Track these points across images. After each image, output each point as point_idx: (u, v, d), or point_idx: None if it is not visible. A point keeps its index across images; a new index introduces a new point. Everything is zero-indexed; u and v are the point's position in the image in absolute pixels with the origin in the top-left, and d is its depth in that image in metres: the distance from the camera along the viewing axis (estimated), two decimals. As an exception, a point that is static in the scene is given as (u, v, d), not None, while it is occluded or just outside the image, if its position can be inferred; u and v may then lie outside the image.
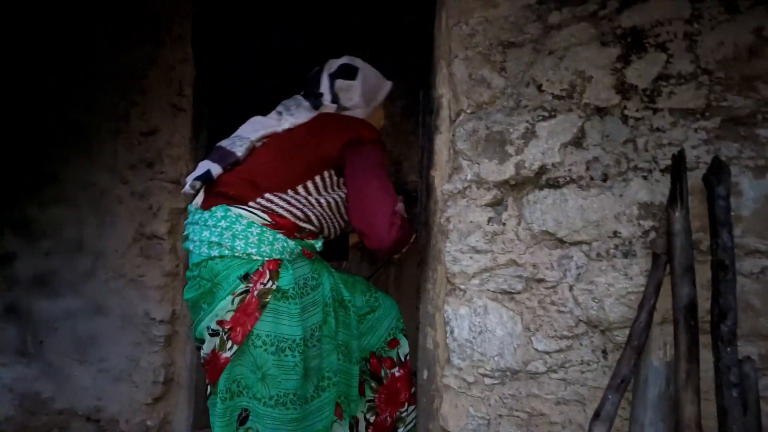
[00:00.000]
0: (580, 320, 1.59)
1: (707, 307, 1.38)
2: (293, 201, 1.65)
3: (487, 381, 1.71)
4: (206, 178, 1.69)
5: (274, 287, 1.59)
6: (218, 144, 1.77)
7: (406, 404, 1.87)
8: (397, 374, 1.88)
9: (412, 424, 1.90)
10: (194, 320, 1.70)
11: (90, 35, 2.72)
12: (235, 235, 1.59)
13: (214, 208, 1.64)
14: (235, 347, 1.57)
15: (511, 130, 1.72)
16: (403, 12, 2.07)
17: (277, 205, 1.63)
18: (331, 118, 1.79)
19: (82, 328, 2.81)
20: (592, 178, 1.60)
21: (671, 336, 1.37)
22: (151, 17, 2.66)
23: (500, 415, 1.69)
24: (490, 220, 1.74)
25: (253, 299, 1.57)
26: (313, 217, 1.68)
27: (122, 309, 2.72)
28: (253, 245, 1.59)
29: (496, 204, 1.74)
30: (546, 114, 1.68)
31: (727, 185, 1.37)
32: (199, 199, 1.72)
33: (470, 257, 1.75)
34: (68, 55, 2.75)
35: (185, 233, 1.74)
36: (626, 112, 1.57)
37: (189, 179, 1.71)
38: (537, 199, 1.68)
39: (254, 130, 1.75)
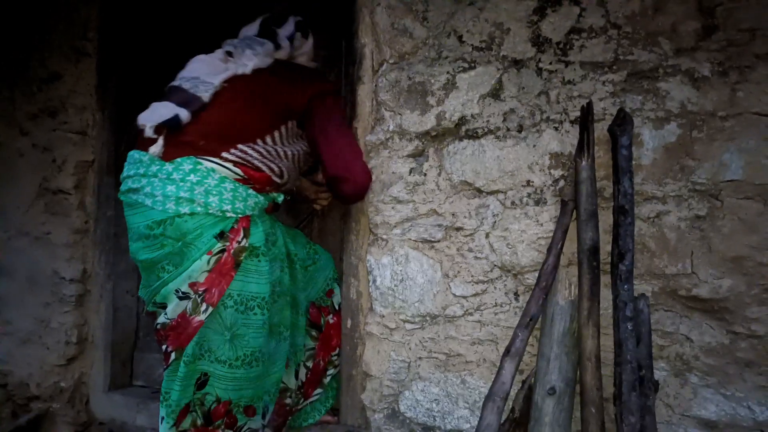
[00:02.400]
0: (495, 265, 1.66)
1: (609, 250, 1.49)
2: (265, 152, 1.58)
3: (408, 326, 1.77)
4: (174, 123, 1.52)
5: (247, 245, 1.52)
6: (174, 85, 1.62)
7: (337, 349, 1.91)
8: (331, 321, 1.91)
9: (338, 369, 1.95)
10: (148, 283, 1.57)
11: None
12: (208, 190, 1.47)
13: (179, 160, 1.49)
14: (210, 309, 1.48)
15: (432, 81, 1.74)
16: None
17: (252, 156, 1.55)
18: (293, 68, 1.76)
19: (-17, 289, 2.63)
20: (508, 129, 1.66)
21: (576, 277, 1.47)
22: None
23: (420, 358, 1.75)
24: (411, 170, 1.77)
25: (230, 258, 1.49)
26: (284, 170, 1.63)
27: (28, 269, 2.56)
28: (227, 201, 1.49)
29: (418, 155, 1.77)
30: (466, 65, 1.70)
31: (630, 136, 1.46)
32: (156, 148, 1.53)
33: (392, 207, 1.78)
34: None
35: (132, 185, 1.53)
36: (541, 64, 1.62)
37: (148, 122, 1.53)
38: (457, 150, 1.72)
39: (213, 72, 1.61)
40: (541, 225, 1.61)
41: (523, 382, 1.53)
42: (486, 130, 1.68)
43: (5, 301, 2.59)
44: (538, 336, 1.53)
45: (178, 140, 1.53)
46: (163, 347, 1.58)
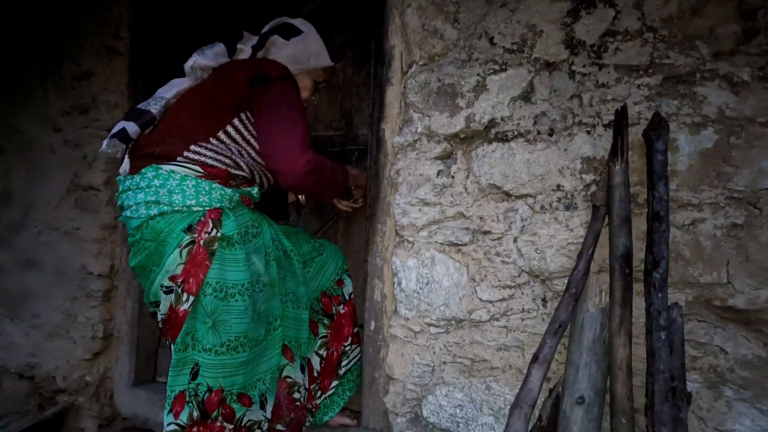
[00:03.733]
0: (522, 270, 1.64)
1: (641, 258, 1.45)
2: (218, 149, 1.61)
3: (433, 330, 1.75)
4: (122, 136, 1.63)
5: (219, 235, 1.56)
6: (135, 107, 1.72)
7: (350, 339, 1.93)
8: (342, 311, 1.93)
9: (354, 361, 1.95)
10: (144, 286, 1.65)
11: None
12: (171, 190, 1.54)
13: (143, 170, 1.58)
14: (192, 298, 1.54)
15: (462, 82, 1.72)
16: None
17: (205, 156, 1.59)
18: (237, 61, 1.75)
19: (13, 282, 2.68)
20: (539, 133, 1.63)
21: (607, 284, 1.44)
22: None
23: (444, 362, 1.74)
24: (439, 173, 1.75)
25: (201, 249, 1.54)
26: (242, 164, 1.64)
27: (57, 263, 2.60)
28: (191, 197, 1.55)
29: (446, 157, 1.75)
30: (497, 67, 1.69)
31: (665, 141, 1.43)
32: (125, 166, 1.66)
33: (419, 209, 1.77)
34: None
35: (119, 204, 1.66)
36: (574, 67, 1.60)
37: (104, 141, 1.64)
38: (486, 153, 1.70)
39: (169, 89, 1.71)
40: (571, 230, 1.59)
41: (551, 390, 1.50)
42: (516, 133, 1.66)
43: (34, 295, 2.63)
44: (566, 343, 1.50)
45: (140, 154, 1.63)
46: (168, 343, 1.66)
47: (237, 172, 1.63)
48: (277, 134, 1.59)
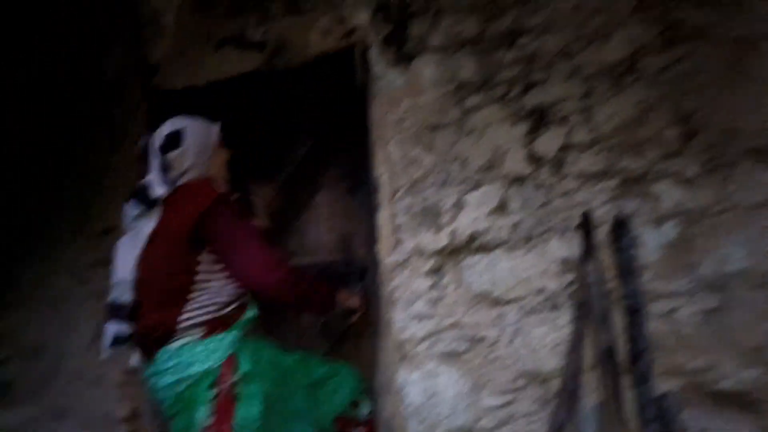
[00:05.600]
0: (520, 374, 1.70)
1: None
2: (201, 301, 1.70)
3: (443, 442, 1.78)
4: (119, 342, 1.77)
5: (238, 378, 1.66)
6: (108, 301, 1.84)
7: None
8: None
9: None
10: None
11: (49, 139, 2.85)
12: (188, 364, 1.66)
13: (157, 356, 1.70)
14: None
15: (443, 202, 1.89)
16: (343, 104, 2.27)
17: (196, 317, 1.68)
18: (171, 207, 1.76)
19: (43, 433, 2.75)
20: (517, 240, 1.77)
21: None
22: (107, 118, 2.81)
23: (457, 475, 1.74)
24: (431, 286, 1.87)
25: (226, 397, 1.64)
26: (228, 299, 1.74)
27: (84, 411, 2.68)
28: (206, 360, 1.66)
29: (436, 271, 1.88)
30: (472, 186, 1.86)
31: (630, 238, 1.54)
32: (135, 360, 1.82)
33: (416, 324, 1.86)
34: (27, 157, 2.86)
35: (151, 387, 1.78)
36: (539, 179, 1.76)
37: (103, 348, 1.80)
38: (472, 264, 1.82)
39: (124, 265, 1.80)
40: (559, 329, 1.66)
41: (561, 493, 1.50)
42: (497, 242, 1.79)
43: (62, 444, 2.69)
44: (570, 443, 1.51)
45: (143, 342, 1.75)
46: None
47: (228, 309, 1.73)
48: (241, 253, 1.70)
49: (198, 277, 1.71)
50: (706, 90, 1.58)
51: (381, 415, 1.92)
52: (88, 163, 2.79)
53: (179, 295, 1.70)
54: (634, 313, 1.46)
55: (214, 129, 1.90)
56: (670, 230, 1.57)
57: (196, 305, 1.70)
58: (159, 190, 1.77)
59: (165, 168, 1.79)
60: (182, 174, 1.80)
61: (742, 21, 1.58)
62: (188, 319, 1.69)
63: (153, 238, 1.75)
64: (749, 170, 1.51)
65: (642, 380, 1.40)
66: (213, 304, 1.72)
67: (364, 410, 1.98)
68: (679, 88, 1.61)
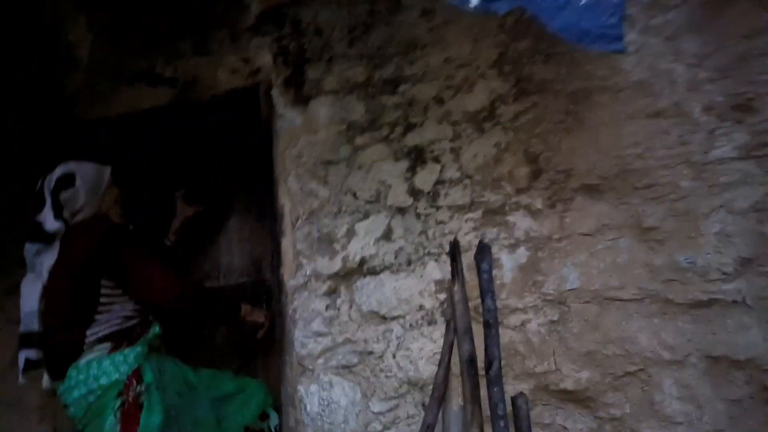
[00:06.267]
0: (403, 382, 1.93)
1: (490, 357, 1.78)
2: (105, 318, 1.91)
3: (338, 446, 1.99)
4: (31, 366, 1.96)
5: (142, 388, 1.83)
6: (20, 332, 2.01)
7: None
8: None
9: None
10: None
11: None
12: (95, 377, 1.84)
13: (68, 373, 1.87)
14: None
15: (336, 230, 2.11)
16: (250, 137, 2.45)
17: (101, 331, 1.89)
18: (68, 243, 1.97)
19: (-40, 459, 2.78)
20: (400, 264, 2.01)
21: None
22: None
23: (349, 474, 1.96)
24: (327, 306, 2.09)
25: (132, 406, 1.82)
26: (129, 314, 1.95)
27: (3, 434, 2.74)
28: (113, 372, 1.84)
29: (332, 293, 2.09)
30: (361, 215, 2.09)
31: (489, 261, 1.80)
32: (46, 381, 1.96)
33: (314, 340, 2.07)
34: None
35: (63, 402, 1.93)
36: (418, 210, 2.01)
37: (19, 374, 1.97)
38: (362, 285, 2.05)
39: (30, 298, 1.99)
40: (435, 342, 1.91)
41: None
42: (383, 266, 2.03)
43: (-20, 468, 2.73)
44: (440, 441, 1.76)
45: (52, 362, 1.94)
46: None
47: (131, 322, 1.94)
48: (139, 280, 1.92)
49: (102, 300, 1.92)
50: (549, 135, 1.87)
51: (285, 425, 2.12)
52: (8, 192, 2.84)
53: (84, 317, 1.90)
54: (488, 327, 1.72)
55: (106, 170, 2.10)
56: (522, 254, 1.85)
57: (101, 322, 1.91)
58: (52, 226, 1.96)
59: (57, 207, 1.97)
60: (75, 213, 2.00)
61: (578, 76, 1.88)
62: (93, 334, 1.89)
63: (54, 272, 1.95)
64: (582, 204, 1.81)
65: (494, 383, 1.66)
66: (117, 318, 1.93)
67: (273, 422, 2.17)
68: (528, 133, 1.89)
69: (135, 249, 1.97)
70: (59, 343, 1.92)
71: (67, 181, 1.99)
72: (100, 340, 1.89)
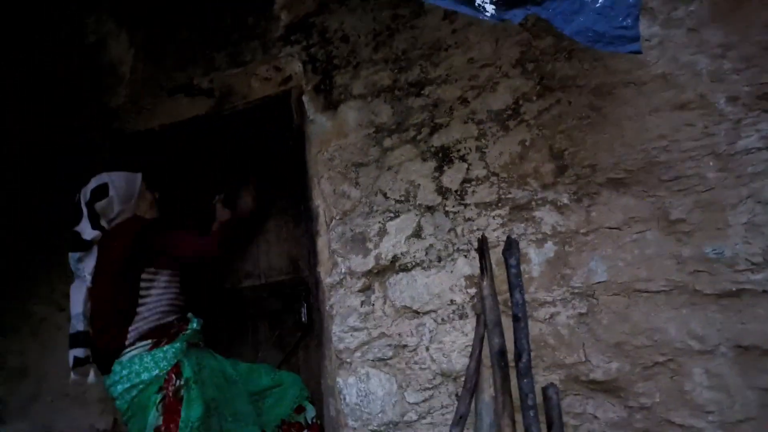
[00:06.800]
0: (436, 373, 2.01)
1: (519, 350, 1.83)
2: (145, 313, 2.08)
3: (377, 435, 2.09)
4: (79, 363, 2.11)
5: (182, 382, 1.98)
6: (69, 333, 2.17)
7: None
8: None
9: None
10: None
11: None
12: (137, 372, 2.01)
13: (113, 368, 2.05)
14: None
15: (369, 230, 2.19)
16: (284, 143, 2.56)
17: (142, 328, 2.06)
18: (106, 243, 2.17)
19: (31, 449, 3.02)
20: (431, 261, 2.08)
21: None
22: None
23: (387, 462, 2.06)
24: (362, 303, 2.17)
25: (172, 400, 1.98)
26: (168, 308, 2.13)
27: (69, 426, 2.96)
28: (154, 368, 2.01)
29: (366, 289, 2.18)
30: (392, 215, 2.16)
31: (517, 257, 1.85)
32: (92, 377, 2.13)
33: (351, 335, 2.17)
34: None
35: (111, 395, 2.12)
36: (447, 208, 2.07)
37: (72, 375, 2.14)
38: (395, 282, 2.13)
39: (77, 300, 2.16)
40: (466, 335, 1.98)
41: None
42: (414, 263, 2.10)
43: (50, 458, 2.96)
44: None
45: (98, 360, 2.11)
46: None
47: (170, 318, 2.12)
48: (189, 244, 2.21)
49: (141, 293, 2.10)
50: (574, 131, 1.90)
51: (327, 415, 2.23)
52: (62, 202, 3.04)
53: (126, 313, 2.07)
54: (517, 321, 1.78)
55: (137, 177, 2.29)
56: (550, 249, 1.89)
57: (141, 318, 2.08)
58: (90, 235, 2.15)
59: (94, 217, 2.16)
60: (111, 220, 2.20)
61: (600, 71, 1.90)
62: (135, 329, 2.06)
63: (96, 274, 2.13)
64: (608, 198, 1.83)
65: (522, 376, 1.72)
66: (156, 314, 2.10)
67: (309, 415, 2.29)
68: (553, 130, 1.93)
69: (172, 231, 2.24)
70: (105, 341, 2.08)
71: (101, 191, 2.18)
72: (142, 337, 2.05)
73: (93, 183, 2.21)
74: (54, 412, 3.01)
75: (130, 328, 2.06)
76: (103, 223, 2.18)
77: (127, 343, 2.04)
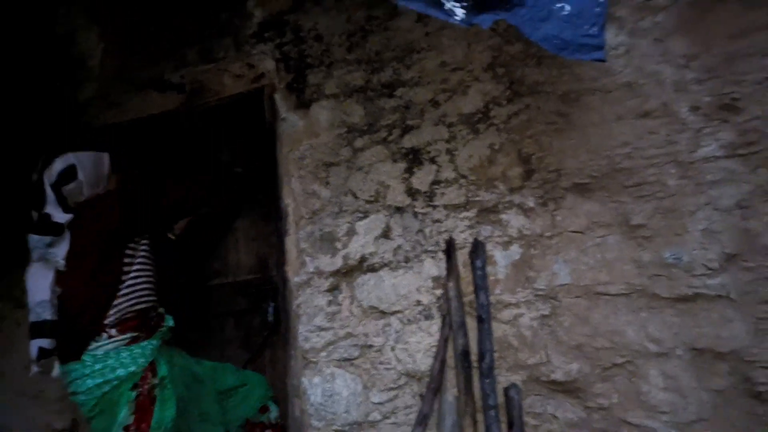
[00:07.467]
0: (401, 374, 2.02)
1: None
2: (125, 301, 1.99)
3: (341, 435, 2.09)
4: (45, 355, 1.96)
5: (156, 381, 1.93)
6: (29, 322, 2.00)
7: None
8: None
9: None
10: None
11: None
12: (113, 367, 1.91)
13: (83, 358, 1.92)
14: None
15: (337, 230, 2.19)
16: (256, 140, 2.54)
17: (120, 316, 1.96)
18: (81, 223, 2.03)
19: (-14, 449, 2.93)
20: (398, 261, 2.09)
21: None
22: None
23: (351, 462, 2.06)
24: (329, 302, 2.17)
25: (145, 398, 1.91)
26: (145, 285, 2.06)
27: (27, 425, 2.88)
28: (131, 364, 1.93)
29: (334, 289, 2.18)
30: (361, 215, 2.17)
31: (483, 259, 1.88)
32: (56, 370, 1.98)
33: (317, 335, 2.16)
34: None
35: (71, 390, 1.99)
36: (416, 209, 2.08)
37: (31, 363, 1.96)
38: (363, 282, 2.13)
39: (41, 287, 1.99)
40: (432, 335, 1.99)
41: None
42: (382, 264, 2.11)
43: (5, 458, 2.88)
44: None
45: (66, 351, 1.97)
46: None
47: (147, 303, 2.04)
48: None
49: (125, 268, 2.01)
50: (541, 136, 1.93)
51: (291, 415, 2.22)
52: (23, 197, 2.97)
53: (110, 292, 1.97)
54: (481, 322, 1.80)
55: (104, 157, 2.17)
56: (515, 251, 1.92)
57: (121, 296, 1.98)
58: (63, 218, 2.02)
59: (63, 200, 2.04)
60: (79, 202, 2.08)
61: (568, 78, 1.93)
62: (116, 308, 1.96)
63: (71, 256, 1.99)
64: (572, 202, 1.87)
65: (485, 376, 1.74)
66: (136, 292, 2.01)
67: (273, 415, 2.27)
68: (521, 134, 1.96)
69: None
70: (83, 323, 1.94)
71: (69, 174, 2.04)
72: (122, 323, 1.95)
73: (59, 164, 2.04)
74: (10, 410, 2.92)
75: (113, 303, 1.95)
76: (71, 204, 2.05)
77: (106, 322, 1.93)
